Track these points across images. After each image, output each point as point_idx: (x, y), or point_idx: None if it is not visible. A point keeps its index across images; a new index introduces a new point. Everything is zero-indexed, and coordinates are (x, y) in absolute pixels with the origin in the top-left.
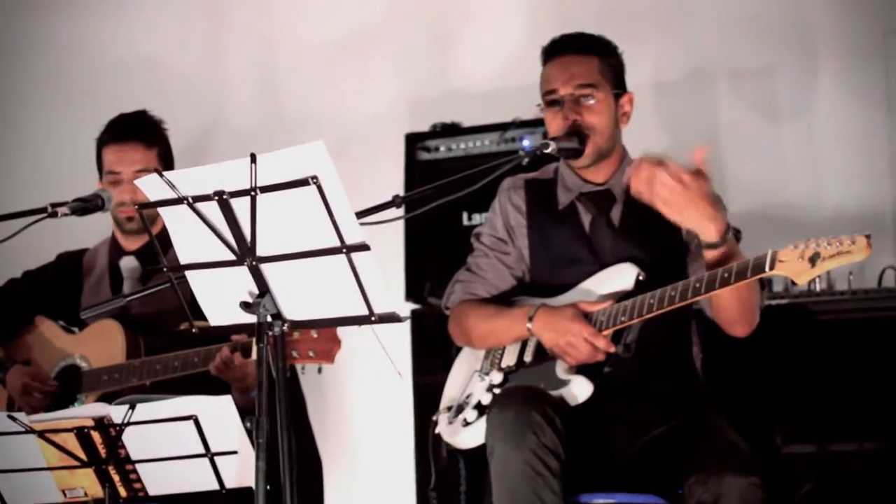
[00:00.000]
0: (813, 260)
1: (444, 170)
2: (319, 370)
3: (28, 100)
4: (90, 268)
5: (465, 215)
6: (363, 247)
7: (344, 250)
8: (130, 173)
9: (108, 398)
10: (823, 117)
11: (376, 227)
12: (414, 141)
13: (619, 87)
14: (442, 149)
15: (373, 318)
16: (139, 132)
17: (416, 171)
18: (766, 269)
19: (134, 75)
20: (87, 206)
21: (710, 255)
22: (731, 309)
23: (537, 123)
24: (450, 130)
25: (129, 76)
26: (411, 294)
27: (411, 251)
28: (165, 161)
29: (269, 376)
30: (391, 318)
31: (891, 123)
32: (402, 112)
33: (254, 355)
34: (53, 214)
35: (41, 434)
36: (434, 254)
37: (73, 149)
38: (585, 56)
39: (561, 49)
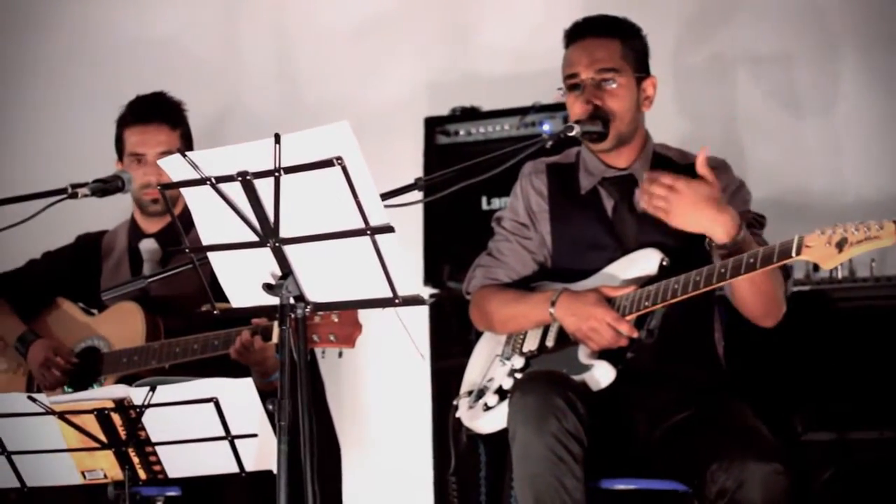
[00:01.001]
0: (840, 245)
1: (463, 154)
2: (340, 354)
3: (44, 81)
4: (109, 250)
5: (484, 199)
6: (388, 229)
7: (368, 232)
8: (155, 154)
9: (127, 381)
10: (844, 104)
11: (395, 210)
12: (433, 125)
13: (641, 70)
14: (461, 133)
15: (397, 301)
16: (163, 113)
17: (434, 154)
18: (793, 253)
19: (151, 57)
20: (107, 187)
21: (722, 254)
22: (749, 300)
23: (557, 108)
24: (469, 114)
25: (147, 58)
26: (430, 278)
27: (430, 235)
28: (187, 142)
29: (291, 359)
30: (415, 300)
31: None
32: (421, 96)
33: (275, 338)
34: (73, 195)
35: (61, 415)
36: (453, 238)
37: (91, 130)
38: (608, 39)
39: (583, 32)
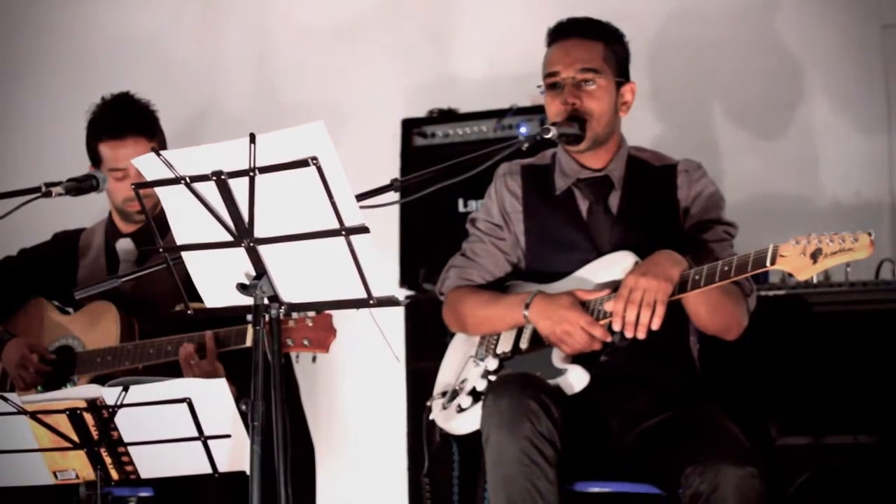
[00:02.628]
0: (815, 256)
1: (441, 155)
2: (314, 359)
3: (22, 80)
4: (86, 248)
5: (460, 202)
6: (362, 229)
7: (343, 233)
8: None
9: (101, 381)
10: (821, 109)
11: (371, 211)
12: (410, 126)
13: (621, 75)
14: (438, 134)
15: (371, 302)
16: (139, 125)
17: (411, 156)
18: (767, 263)
19: (130, 57)
20: (81, 186)
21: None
22: (704, 315)
23: (534, 110)
24: (446, 116)
25: (125, 58)
26: (406, 280)
27: (406, 237)
28: (162, 147)
29: (265, 360)
30: (390, 301)
31: (889, 116)
32: (399, 97)
33: (248, 341)
34: (47, 194)
35: (33, 415)
36: (429, 240)
37: (68, 129)
38: (591, 41)
39: (567, 32)
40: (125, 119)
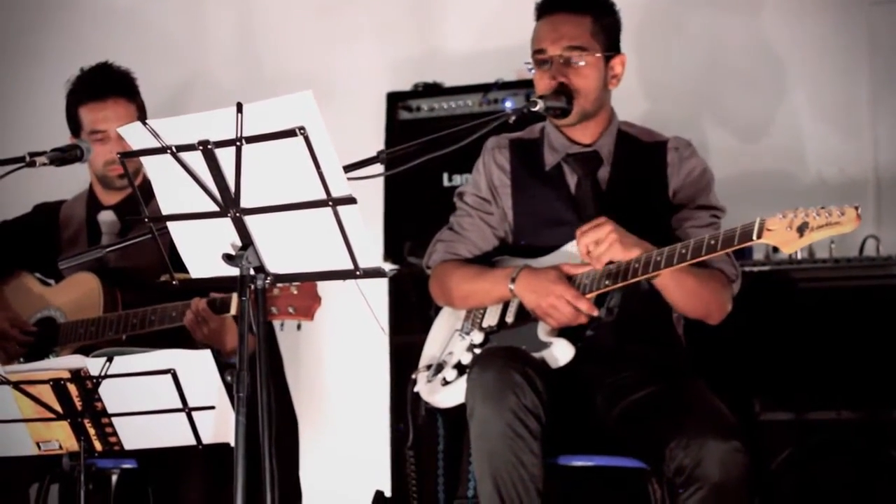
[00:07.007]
0: (801, 230)
1: (426, 129)
2: (299, 327)
3: (5, 52)
4: (68, 221)
5: (445, 176)
6: (349, 200)
7: (330, 203)
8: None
9: (84, 352)
10: (806, 86)
11: (356, 185)
12: (395, 100)
13: (611, 48)
14: (424, 108)
15: (358, 273)
16: (120, 88)
17: (397, 130)
18: (754, 237)
19: (113, 28)
20: (65, 156)
21: None
22: (677, 298)
23: (520, 85)
24: (432, 90)
25: (108, 29)
26: (390, 254)
27: (390, 211)
28: (142, 113)
29: (250, 331)
30: (376, 272)
31: (873, 93)
32: (384, 71)
33: (233, 310)
34: (31, 164)
35: (16, 385)
36: (413, 214)
37: (53, 100)
38: (578, 15)
39: (555, 7)
40: (105, 82)
